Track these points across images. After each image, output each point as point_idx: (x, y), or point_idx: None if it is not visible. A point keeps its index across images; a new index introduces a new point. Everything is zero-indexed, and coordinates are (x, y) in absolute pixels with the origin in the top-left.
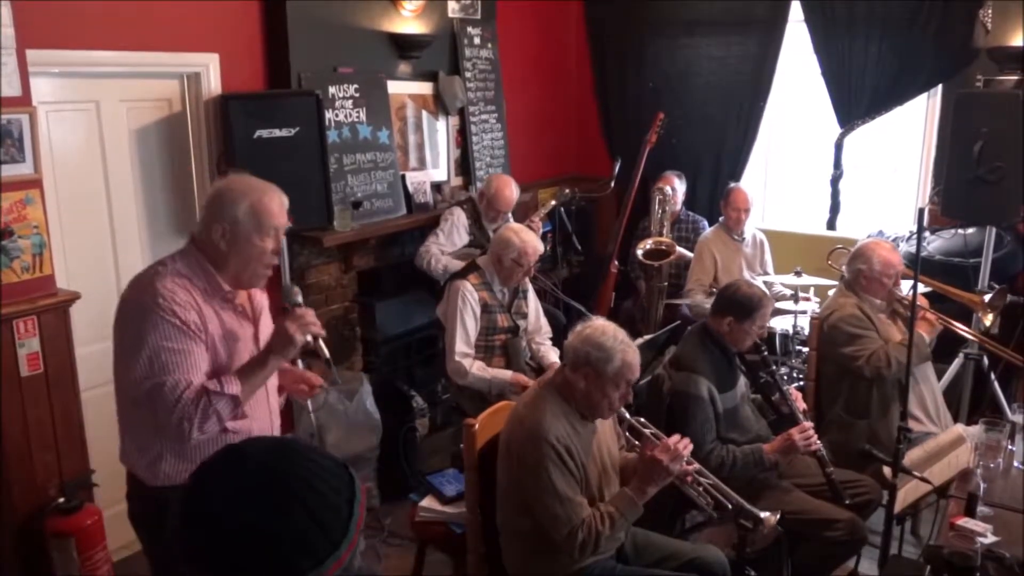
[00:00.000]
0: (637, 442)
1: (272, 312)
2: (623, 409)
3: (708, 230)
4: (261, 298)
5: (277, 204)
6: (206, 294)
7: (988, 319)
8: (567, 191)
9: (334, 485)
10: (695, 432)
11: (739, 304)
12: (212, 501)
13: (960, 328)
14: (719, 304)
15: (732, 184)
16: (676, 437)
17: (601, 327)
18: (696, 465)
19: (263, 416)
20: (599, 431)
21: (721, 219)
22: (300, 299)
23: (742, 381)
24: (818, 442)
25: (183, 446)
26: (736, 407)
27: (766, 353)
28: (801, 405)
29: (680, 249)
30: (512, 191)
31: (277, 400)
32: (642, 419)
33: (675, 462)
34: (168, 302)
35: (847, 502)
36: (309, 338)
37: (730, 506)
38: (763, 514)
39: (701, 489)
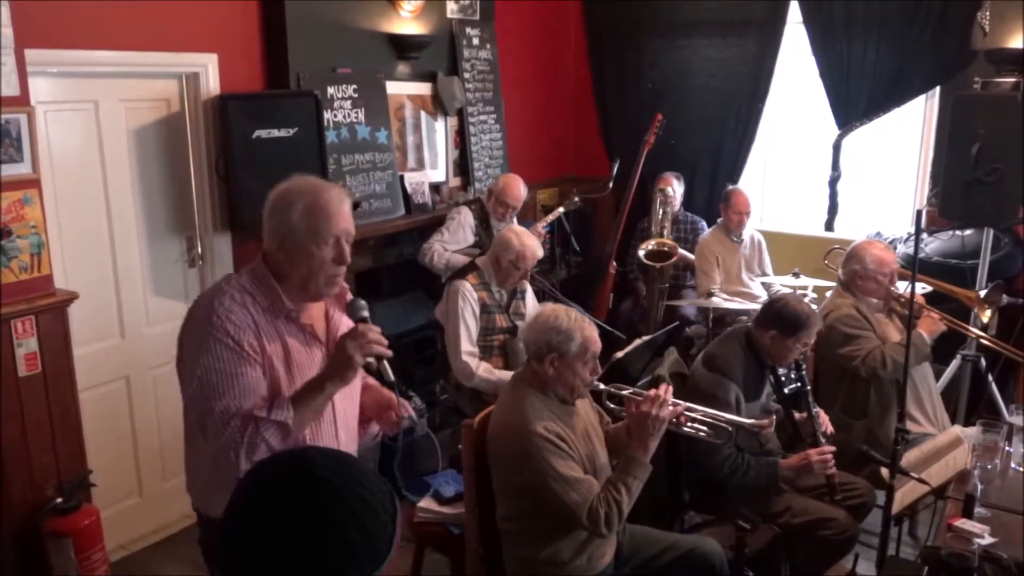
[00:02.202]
0: (619, 407)
1: None
2: (596, 382)
3: (706, 232)
4: (340, 319)
5: (335, 205)
6: (269, 312)
7: (985, 316)
8: (576, 198)
9: (382, 502)
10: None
11: (786, 319)
12: (273, 504)
13: (962, 326)
14: (765, 316)
15: (732, 186)
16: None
17: (552, 312)
18: (683, 404)
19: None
20: (579, 412)
21: (720, 220)
22: (366, 314)
23: (766, 393)
24: (834, 468)
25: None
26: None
27: (804, 371)
28: (828, 428)
29: (682, 251)
30: (520, 186)
31: (352, 435)
32: (615, 384)
33: (663, 408)
34: (222, 320)
35: (842, 504)
36: (372, 359)
37: (730, 428)
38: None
39: (697, 424)
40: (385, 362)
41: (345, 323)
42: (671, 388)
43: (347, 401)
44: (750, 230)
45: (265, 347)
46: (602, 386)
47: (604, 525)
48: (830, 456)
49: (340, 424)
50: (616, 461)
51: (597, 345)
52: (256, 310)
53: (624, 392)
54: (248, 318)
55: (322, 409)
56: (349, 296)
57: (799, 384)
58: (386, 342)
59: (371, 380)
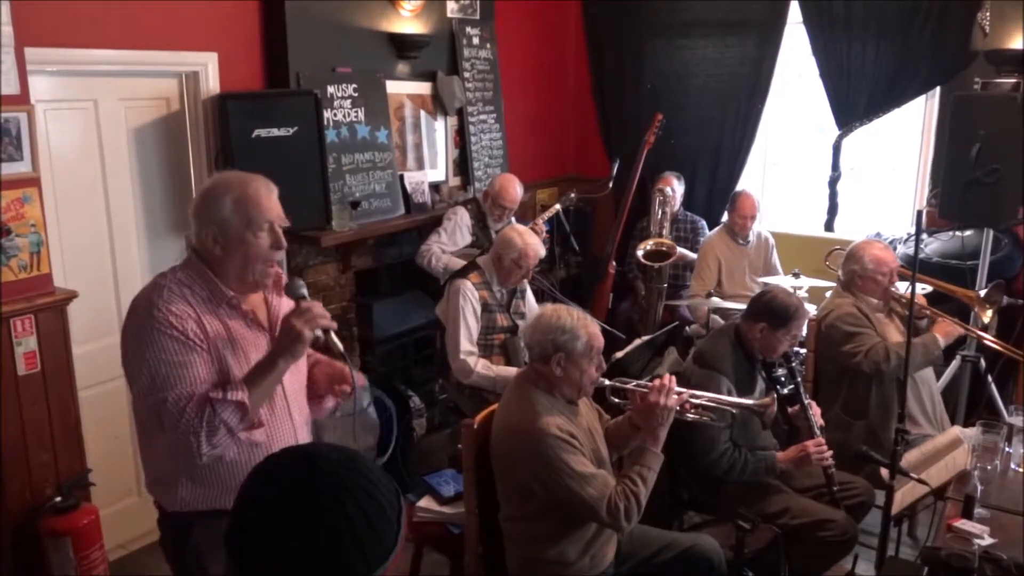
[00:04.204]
0: (623, 400)
1: None
2: (602, 378)
3: (712, 233)
4: (279, 304)
5: (264, 193)
6: (209, 302)
7: (986, 316)
8: (572, 195)
9: (389, 499)
10: (709, 431)
11: (775, 312)
12: (282, 497)
13: (969, 329)
14: (754, 310)
15: (739, 190)
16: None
17: (554, 312)
18: (687, 390)
19: (284, 431)
20: (581, 411)
21: (724, 222)
22: (305, 291)
23: (759, 389)
24: (831, 459)
25: (198, 469)
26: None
27: (794, 364)
28: (819, 421)
29: (681, 250)
30: (516, 188)
31: (304, 414)
32: (619, 378)
33: (669, 396)
34: (163, 313)
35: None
36: (319, 333)
37: (734, 411)
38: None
39: (701, 409)
40: (332, 334)
41: (285, 308)
42: (674, 377)
43: (296, 382)
44: (759, 229)
45: (209, 335)
46: (607, 382)
47: (624, 518)
48: (826, 447)
49: (292, 405)
50: (617, 456)
51: (601, 341)
52: (196, 300)
53: (629, 385)
54: (189, 308)
55: (274, 387)
56: (285, 279)
57: (790, 376)
58: (330, 315)
59: (320, 355)
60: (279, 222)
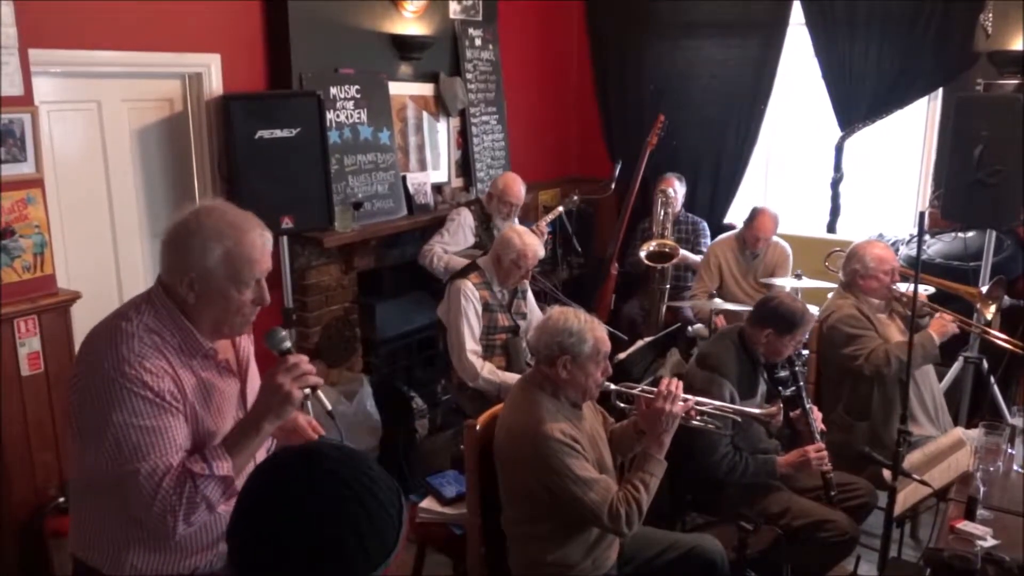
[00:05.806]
0: (629, 405)
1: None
2: (607, 382)
3: (723, 236)
4: (246, 344)
5: (259, 248)
6: (182, 353)
7: (989, 312)
8: (575, 197)
9: (390, 497)
10: (711, 434)
11: (781, 318)
12: (284, 494)
13: (971, 324)
14: (760, 316)
15: (762, 206)
16: (665, 381)
17: (561, 315)
18: (693, 397)
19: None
20: (585, 415)
21: (738, 230)
22: (289, 344)
23: (761, 392)
24: (829, 463)
25: (157, 535)
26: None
27: (799, 367)
28: (820, 425)
29: (683, 252)
30: (520, 185)
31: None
32: (624, 383)
33: (675, 403)
34: (136, 371)
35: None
36: (307, 391)
37: (739, 419)
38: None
39: (706, 417)
40: (320, 392)
41: (252, 348)
42: (681, 383)
43: None
44: (777, 240)
45: (187, 393)
46: (613, 386)
47: (625, 524)
48: (826, 452)
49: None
50: (621, 460)
51: (608, 345)
52: (168, 350)
53: (635, 390)
54: (163, 362)
55: (257, 452)
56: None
57: (793, 379)
58: (315, 370)
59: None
60: (264, 275)
